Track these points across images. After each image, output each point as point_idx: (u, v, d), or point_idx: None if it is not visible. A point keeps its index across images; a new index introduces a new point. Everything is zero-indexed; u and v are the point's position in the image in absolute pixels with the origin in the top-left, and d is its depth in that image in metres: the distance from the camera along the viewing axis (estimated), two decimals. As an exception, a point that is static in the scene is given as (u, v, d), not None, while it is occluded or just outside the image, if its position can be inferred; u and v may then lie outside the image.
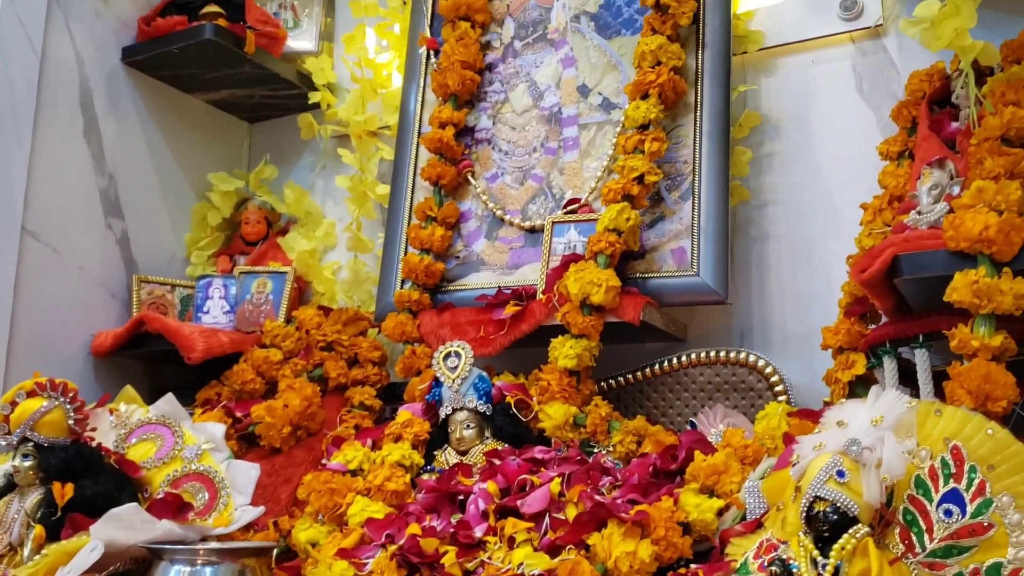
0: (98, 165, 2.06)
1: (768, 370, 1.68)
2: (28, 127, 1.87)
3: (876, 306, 1.48)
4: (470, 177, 1.99)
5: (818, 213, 1.84)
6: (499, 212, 1.94)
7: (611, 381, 1.79)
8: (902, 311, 1.45)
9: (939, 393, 1.29)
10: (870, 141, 1.75)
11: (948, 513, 0.99)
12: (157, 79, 2.23)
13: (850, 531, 0.95)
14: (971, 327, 1.25)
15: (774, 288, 1.86)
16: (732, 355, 1.71)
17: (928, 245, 1.32)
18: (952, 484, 1.00)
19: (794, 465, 1.03)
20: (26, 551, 1.33)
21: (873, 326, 1.53)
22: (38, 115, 1.90)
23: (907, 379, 1.44)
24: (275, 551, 1.50)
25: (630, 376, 1.78)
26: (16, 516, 1.37)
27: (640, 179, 1.72)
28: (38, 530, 1.34)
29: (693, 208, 1.77)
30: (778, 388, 1.66)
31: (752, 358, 1.70)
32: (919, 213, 1.44)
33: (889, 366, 1.45)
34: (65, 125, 1.97)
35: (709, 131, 1.79)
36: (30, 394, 1.42)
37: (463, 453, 1.58)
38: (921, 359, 1.38)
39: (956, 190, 1.44)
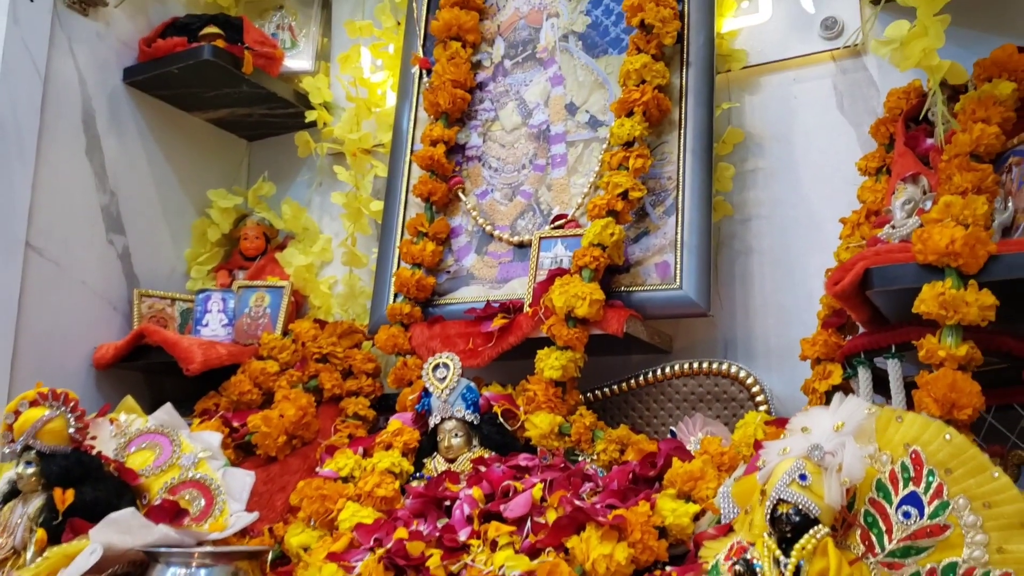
0: (100, 182, 2.11)
1: (749, 381, 1.72)
2: (32, 146, 1.93)
3: (852, 317, 1.53)
4: (460, 194, 2.04)
5: (800, 227, 1.89)
6: (488, 228, 1.99)
7: (597, 392, 1.83)
8: (877, 322, 1.49)
9: (911, 402, 1.33)
10: (850, 157, 1.80)
11: (907, 515, 1.03)
12: (158, 98, 2.29)
13: (811, 531, 0.99)
14: (938, 338, 1.30)
15: (757, 301, 1.91)
16: (715, 366, 1.76)
17: (898, 258, 1.36)
18: (911, 487, 1.04)
19: (760, 469, 1.08)
20: (29, 554, 1.38)
21: (850, 337, 1.58)
22: (41, 134, 1.95)
23: (882, 388, 1.49)
24: (270, 556, 1.54)
25: (615, 387, 1.83)
26: (19, 521, 1.42)
27: (624, 195, 1.77)
28: (40, 534, 1.38)
29: (677, 223, 1.81)
30: (759, 398, 1.71)
31: (734, 369, 1.75)
32: (892, 227, 1.49)
33: (863, 376, 1.49)
34: (68, 144, 2.03)
35: (693, 147, 1.84)
36: (33, 404, 1.47)
37: (451, 461, 1.62)
38: (893, 369, 1.42)
39: (928, 205, 1.48)
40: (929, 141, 1.64)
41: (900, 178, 1.54)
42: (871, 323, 1.49)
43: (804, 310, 1.77)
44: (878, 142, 1.73)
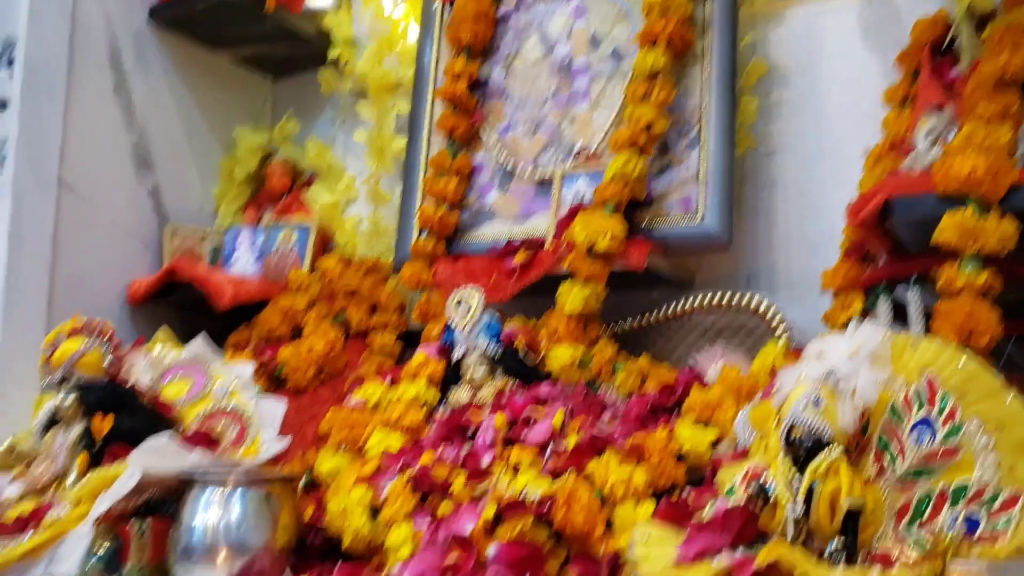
0: (129, 121, 2.14)
1: (770, 313, 1.73)
2: (61, 86, 1.95)
3: (873, 248, 1.54)
4: (483, 129, 2.05)
5: (824, 160, 1.88)
6: (511, 163, 2.00)
7: (618, 327, 1.85)
8: (898, 253, 1.50)
9: (930, 332, 1.35)
10: (875, 88, 1.78)
11: (920, 438, 1.05)
12: (183, 37, 2.30)
13: (824, 453, 1.02)
14: (958, 266, 1.31)
15: (780, 233, 1.91)
16: (736, 299, 1.77)
17: (919, 188, 1.36)
18: (925, 411, 1.06)
19: (776, 395, 1.10)
20: (71, 478, 1.44)
21: (872, 268, 1.58)
22: (70, 74, 1.98)
23: (902, 318, 1.50)
24: (302, 482, 1.60)
25: (636, 321, 1.84)
26: (61, 447, 1.48)
27: (647, 128, 1.77)
28: (81, 459, 1.44)
29: (700, 156, 1.82)
30: (780, 330, 1.72)
31: (756, 302, 1.75)
32: (915, 157, 1.49)
33: (884, 306, 1.50)
34: (96, 83, 2.06)
35: (716, 80, 1.84)
36: (70, 335, 1.52)
37: (475, 391, 1.66)
38: (913, 298, 1.44)
39: (952, 135, 1.48)
40: (955, 71, 1.63)
41: (924, 108, 1.53)
42: (892, 253, 1.49)
43: (827, 242, 1.77)
44: (903, 72, 1.71)
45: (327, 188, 2.32)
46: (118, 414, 1.49)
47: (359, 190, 2.33)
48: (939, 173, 1.32)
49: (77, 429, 1.48)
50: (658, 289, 1.89)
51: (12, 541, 1.31)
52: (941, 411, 1.06)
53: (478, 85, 2.09)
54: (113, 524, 1.35)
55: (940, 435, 1.05)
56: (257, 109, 2.52)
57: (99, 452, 1.45)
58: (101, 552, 1.32)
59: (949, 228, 1.29)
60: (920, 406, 1.07)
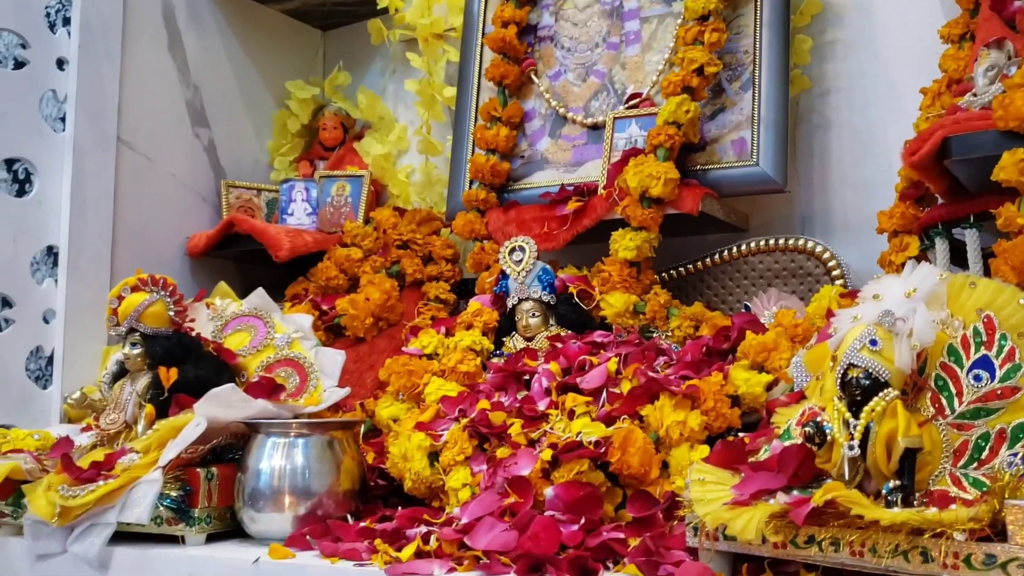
0: (183, 77, 2.17)
1: (826, 256, 1.72)
2: (117, 44, 1.98)
3: (931, 189, 1.51)
4: (533, 76, 2.04)
5: (880, 99, 1.85)
6: (562, 110, 1.99)
7: (672, 272, 1.86)
8: (956, 193, 1.47)
9: (988, 273, 1.33)
10: (933, 25, 1.73)
11: (978, 378, 1.04)
12: (233, -9, 2.32)
13: (880, 394, 1.02)
14: (1018, 205, 1.28)
15: (835, 176, 1.89)
16: (791, 242, 1.76)
17: (977, 126, 1.33)
18: (983, 351, 1.05)
19: (832, 337, 1.10)
20: (139, 427, 1.49)
21: (928, 209, 1.56)
22: (125, 32, 2.00)
23: (960, 260, 1.48)
24: (363, 429, 1.64)
25: (690, 266, 1.85)
26: (129, 398, 1.53)
27: (700, 71, 1.75)
28: (149, 409, 1.49)
29: (754, 98, 1.80)
30: (835, 273, 1.71)
31: (811, 244, 1.75)
32: (974, 95, 1.45)
33: (941, 247, 1.48)
34: (150, 40, 2.08)
35: (769, 20, 1.81)
36: (134, 289, 1.56)
37: (529, 339, 1.68)
38: (971, 239, 1.41)
39: (1013, 70, 1.44)
40: (1017, 3, 1.58)
41: (984, 44, 1.49)
42: (949, 194, 1.47)
43: (883, 184, 1.75)
44: (962, 8, 1.66)
45: (379, 139, 2.33)
46: (183, 364, 1.53)
47: (411, 140, 2.34)
48: (999, 109, 1.29)
49: (144, 380, 1.53)
50: (712, 234, 1.89)
51: (84, 488, 1.36)
52: (1000, 351, 1.04)
53: (528, 31, 2.07)
54: (182, 471, 1.40)
55: (999, 375, 1.03)
56: (308, 62, 2.54)
57: (166, 402, 1.50)
58: (170, 498, 1.37)
59: (1010, 166, 1.26)
60: (978, 346, 1.05)
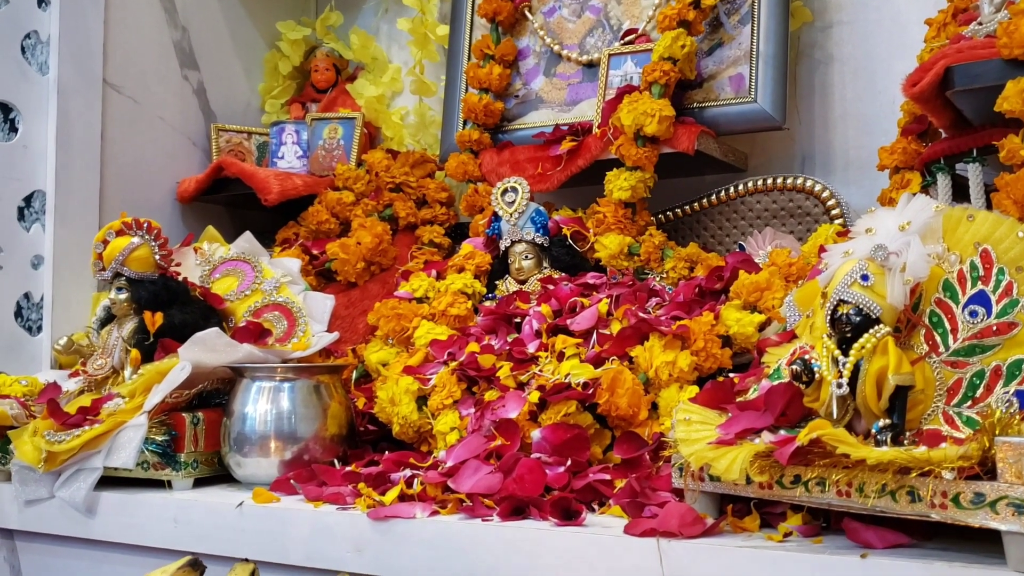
0: (171, 18, 2.11)
1: (825, 194, 1.68)
2: (101, -18, 1.93)
3: (933, 122, 1.46)
4: (527, 12, 1.98)
5: (884, 32, 1.79)
6: (556, 47, 1.94)
7: (668, 213, 1.82)
8: (959, 126, 1.42)
9: (991, 208, 1.29)
10: (939, -47, 1.68)
11: (974, 314, 1.01)
12: (221, -72, 2.26)
13: (871, 331, 0.98)
14: (1022, 137, 1.24)
15: (837, 112, 1.84)
16: (789, 181, 1.72)
17: (981, 55, 1.28)
18: (979, 286, 1.01)
19: (822, 272, 1.06)
20: (126, 372, 1.47)
21: (930, 144, 1.51)
22: (109, -29, 1.95)
23: (962, 196, 1.44)
24: (355, 375, 1.62)
25: (687, 207, 1.81)
26: (116, 343, 1.51)
27: (696, 3, 1.70)
28: (134, 354, 1.47)
29: (752, 32, 1.74)
30: (835, 212, 1.67)
31: (809, 183, 1.70)
32: (979, 24, 1.40)
33: (943, 182, 1.44)
34: (135, -21, 2.03)
35: (770, -49, 1.75)
36: (119, 233, 1.53)
37: (522, 282, 1.65)
38: (974, 173, 1.37)
39: (1020, -3, 1.38)
40: (1027, -72, 1.52)
41: (992, -30, 1.43)
42: (952, 127, 1.42)
43: (886, 119, 1.70)
44: (970, -67, 1.60)
45: (372, 80, 2.28)
46: (169, 309, 1.51)
47: (404, 81, 2.29)
48: (1003, 36, 1.23)
49: (130, 325, 1.51)
50: (709, 173, 1.85)
51: (70, 434, 1.35)
52: (997, 286, 1.01)
53: (521, -34, 2.01)
54: (167, 416, 1.38)
55: (995, 310, 1.00)
56: (300, 1, 2.48)
57: (152, 347, 1.48)
58: (156, 443, 1.36)
59: (1014, 95, 1.21)
60: (975, 281, 1.02)
